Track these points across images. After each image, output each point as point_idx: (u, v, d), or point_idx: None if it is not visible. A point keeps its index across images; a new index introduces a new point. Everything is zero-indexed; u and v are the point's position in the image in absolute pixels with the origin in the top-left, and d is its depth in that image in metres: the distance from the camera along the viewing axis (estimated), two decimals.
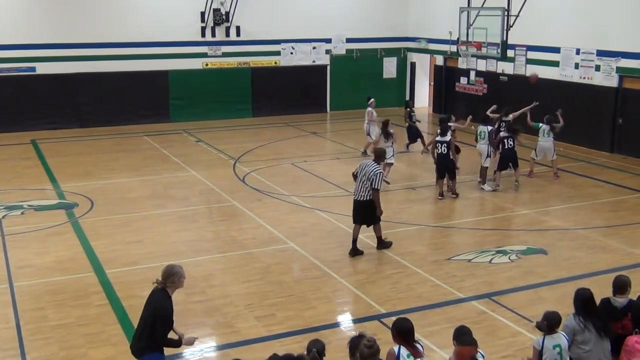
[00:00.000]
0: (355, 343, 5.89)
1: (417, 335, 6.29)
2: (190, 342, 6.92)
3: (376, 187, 11.25)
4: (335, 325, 9.30)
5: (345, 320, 9.46)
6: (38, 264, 11.28)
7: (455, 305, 9.75)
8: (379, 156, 11.83)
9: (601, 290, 7.49)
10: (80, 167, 17.94)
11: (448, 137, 15.04)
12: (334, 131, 24.04)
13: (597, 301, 6.96)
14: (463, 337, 6.01)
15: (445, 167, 15.04)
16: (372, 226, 11.81)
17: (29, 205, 14.42)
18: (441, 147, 15.02)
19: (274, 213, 14.00)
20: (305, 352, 5.87)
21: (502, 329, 9.03)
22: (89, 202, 14.67)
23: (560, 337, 6.52)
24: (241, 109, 25.38)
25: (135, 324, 8.67)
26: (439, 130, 15.44)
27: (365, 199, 11.44)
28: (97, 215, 13.86)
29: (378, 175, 11.25)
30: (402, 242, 12.34)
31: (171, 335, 6.76)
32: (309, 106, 26.25)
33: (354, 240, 11.66)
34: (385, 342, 6.35)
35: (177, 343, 6.76)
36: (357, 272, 10.99)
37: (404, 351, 6.01)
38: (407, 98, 26.10)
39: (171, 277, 6.64)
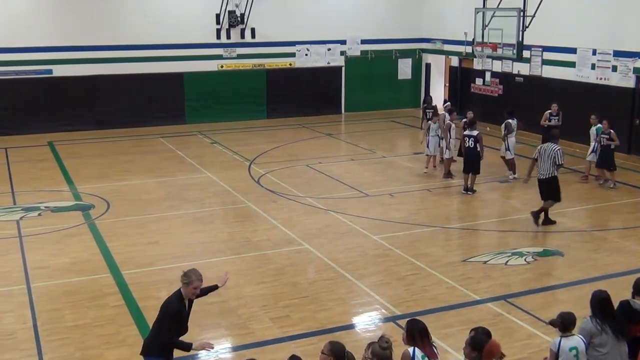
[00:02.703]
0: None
1: (433, 338, 6.27)
2: (202, 347, 6.66)
3: (559, 162, 13.01)
4: (350, 327, 9.29)
5: (360, 322, 9.44)
6: (55, 265, 11.37)
7: (471, 307, 9.71)
8: (556, 137, 13.51)
9: (618, 292, 7.43)
10: (97, 169, 18.05)
11: (476, 132, 15.33)
12: (348, 132, 24.01)
13: (614, 303, 6.90)
14: (481, 337, 6.02)
15: (471, 161, 15.27)
16: (545, 201, 13.23)
17: (46, 207, 14.52)
18: (469, 141, 15.29)
19: (288, 214, 14.01)
20: (322, 353, 5.85)
21: (518, 331, 8.98)
22: (105, 204, 14.75)
23: (577, 340, 6.47)
24: (256, 110, 25.44)
25: (151, 324, 8.76)
26: (467, 124, 15.79)
27: (547, 176, 13.07)
28: (113, 216, 13.94)
29: (558, 152, 12.98)
30: (417, 243, 12.31)
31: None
32: (324, 107, 26.26)
33: (545, 212, 13.24)
34: (401, 344, 6.32)
35: (187, 346, 6.58)
36: (371, 274, 10.97)
37: (418, 352, 5.99)
38: (424, 97, 25.22)
39: (183, 278, 6.66)
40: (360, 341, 8.26)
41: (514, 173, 16.54)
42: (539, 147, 13.49)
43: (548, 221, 13.23)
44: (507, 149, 16.62)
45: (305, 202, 14.87)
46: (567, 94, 20.24)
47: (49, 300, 10.00)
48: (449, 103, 20.72)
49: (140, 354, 6.87)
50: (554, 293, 10.23)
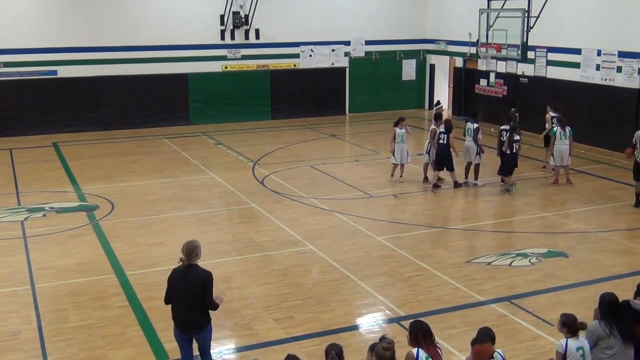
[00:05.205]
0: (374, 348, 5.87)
1: (437, 339, 6.27)
2: (221, 300, 7.33)
3: None
4: (354, 327, 9.28)
5: (364, 323, 9.43)
6: (59, 265, 11.38)
7: (475, 309, 9.70)
8: None
9: (623, 293, 7.42)
10: (101, 170, 18.08)
11: (518, 137, 15.46)
12: (352, 133, 24.00)
13: None
14: (479, 337, 6.03)
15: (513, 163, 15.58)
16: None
17: (50, 208, 14.55)
18: (516, 146, 15.45)
19: (292, 215, 14.01)
20: (325, 356, 5.86)
21: (523, 333, 8.97)
22: (110, 205, 14.78)
23: (583, 340, 6.49)
24: (260, 111, 25.45)
25: (156, 325, 8.79)
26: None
27: None
28: (118, 217, 13.96)
29: None
30: (422, 244, 12.31)
31: None
32: (328, 108, 26.27)
33: (637, 195, 14.26)
34: (405, 346, 6.32)
35: (217, 305, 7.24)
36: (375, 275, 10.96)
37: (422, 354, 5.98)
38: (432, 100, 24.09)
39: (195, 250, 7.24)
40: (364, 342, 8.26)
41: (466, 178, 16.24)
42: (637, 132, 14.07)
43: None
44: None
45: (309, 203, 14.87)
46: (572, 95, 20.20)
47: (53, 301, 10.01)
48: (440, 105, 19.96)
49: (199, 328, 7.21)
50: (559, 294, 10.21)
